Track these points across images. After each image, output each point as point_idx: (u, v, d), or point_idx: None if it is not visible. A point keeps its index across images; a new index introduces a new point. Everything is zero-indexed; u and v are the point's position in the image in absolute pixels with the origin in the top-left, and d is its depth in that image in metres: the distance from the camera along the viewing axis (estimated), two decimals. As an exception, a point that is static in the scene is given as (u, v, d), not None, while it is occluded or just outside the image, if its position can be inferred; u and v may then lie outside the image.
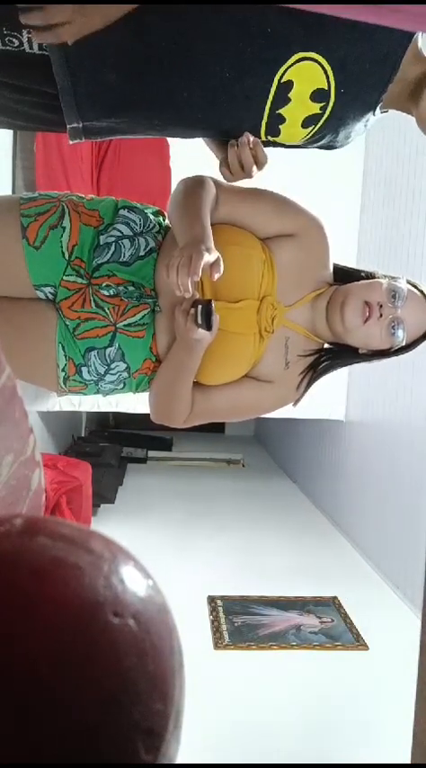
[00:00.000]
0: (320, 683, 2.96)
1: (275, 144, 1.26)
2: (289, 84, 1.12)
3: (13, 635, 0.29)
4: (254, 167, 1.22)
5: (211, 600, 3.63)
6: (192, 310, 1.22)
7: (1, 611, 0.30)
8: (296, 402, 1.42)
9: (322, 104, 1.16)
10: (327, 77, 1.12)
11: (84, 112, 1.16)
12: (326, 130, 1.22)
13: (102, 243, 1.33)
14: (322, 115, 1.17)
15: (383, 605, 3.70)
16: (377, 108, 1.21)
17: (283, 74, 1.11)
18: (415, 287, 1.34)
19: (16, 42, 1.08)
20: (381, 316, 1.29)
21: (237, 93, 1.14)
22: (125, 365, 1.37)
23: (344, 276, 1.40)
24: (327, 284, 1.39)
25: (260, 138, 1.22)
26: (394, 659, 3.05)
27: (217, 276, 1.15)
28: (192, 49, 1.09)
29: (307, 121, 1.19)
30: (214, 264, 1.14)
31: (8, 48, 1.09)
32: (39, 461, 0.55)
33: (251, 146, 1.19)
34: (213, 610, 3.53)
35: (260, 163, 1.21)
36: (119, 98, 1.15)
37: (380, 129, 4.18)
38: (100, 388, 1.41)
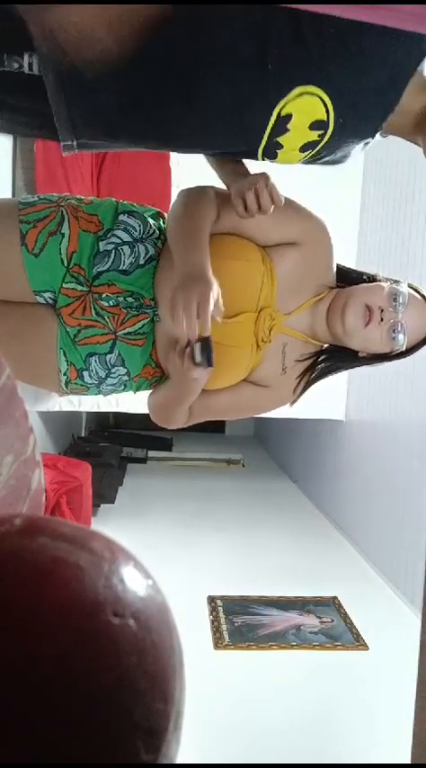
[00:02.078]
0: (320, 683, 2.96)
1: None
2: (288, 117, 1.13)
3: (14, 635, 0.29)
4: (272, 207, 1.24)
5: (211, 600, 3.63)
6: (188, 349, 1.21)
7: (1, 611, 0.30)
8: (292, 402, 1.43)
9: (320, 132, 1.16)
10: (326, 110, 1.12)
11: (79, 133, 1.16)
12: (324, 153, 1.22)
13: (101, 249, 1.33)
14: (319, 141, 1.18)
15: (383, 605, 3.70)
16: (377, 134, 1.21)
17: (283, 107, 1.11)
18: (417, 291, 1.34)
19: (16, 65, 1.09)
20: (382, 320, 1.29)
21: (235, 124, 1.14)
22: (125, 370, 1.38)
23: (346, 278, 1.40)
24: (328, 288, 1.38)
25: (256, 159, 1.23)
26: (394, 659, 3.05)
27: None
28: (191, 82, 1.09)
29: (305, 147, 1.19)
30: (215, 307, 1.15)
31: (6, 69, 1.10)
32: (39, 461, 0.55)
33: (268, 188, 1.21)
34: (213, 610, 3.53)
35: (276, 204, 1.23)
36: (115, 124, 1.15)
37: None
38: (101, 389, 1.42)
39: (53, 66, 1.06)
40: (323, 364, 1.40)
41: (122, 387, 1.43)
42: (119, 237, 1.33)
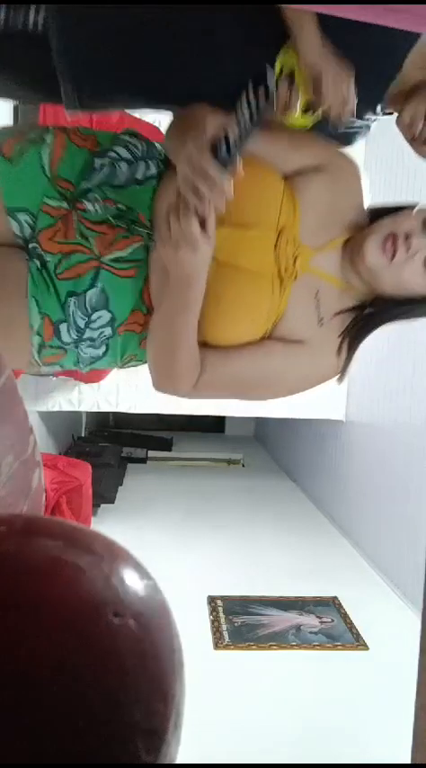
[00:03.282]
0: (320, 683, 2.96)
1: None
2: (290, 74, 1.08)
3: (14, 635, 0.29)
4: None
5: (211, 600, 3.63)
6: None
7: (1, 612, 0.30)
8: (341, 376, 1.15)
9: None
10: None
11: (81, 86, 1.16)
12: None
13: (96, 165, 1.14)
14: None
15: (383, 605, 3.70)
16: (379, 105, 1.19)
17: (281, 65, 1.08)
18: None
19: (21, 20, 1.12)
20: (409, 249, 1.04)
21: (233, 89, 1.10)
22: (109, 315, 1.12)
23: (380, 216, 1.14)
24: (360, 228, 1.14)
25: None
26: (394, 659, 3.05)
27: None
28: (186, 55, 1.11)
29: (308, 108, 1.11)
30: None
31: (11, 27, 1.13)
32: (39, 461, 0.55)
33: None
34: (213, 610, 3.53)
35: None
36: (115, 81, 1.16)
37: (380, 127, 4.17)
38: (79, 354, 1.17)
39: (59, 21, 1.09)
40: (368, 318, 1.13)
41: (104, 348, 1.15)
42: (117, 153, 1.16)
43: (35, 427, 0.53)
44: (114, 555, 0.35)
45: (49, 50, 1.12)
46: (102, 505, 4.90)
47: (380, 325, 1.15)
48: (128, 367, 1.23)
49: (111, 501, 5.07)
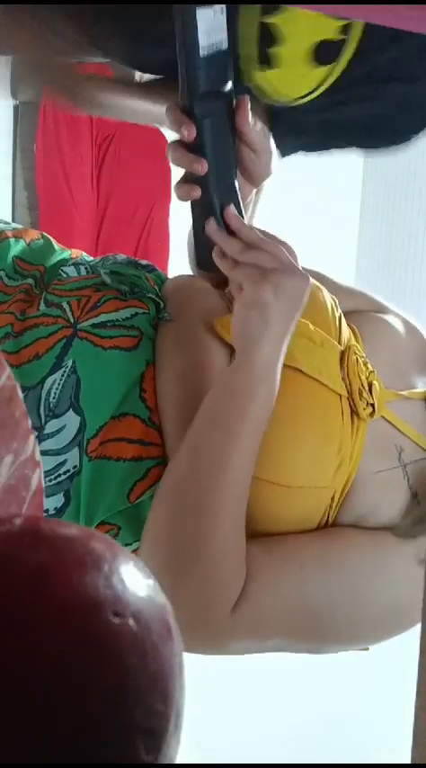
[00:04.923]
0: (320, 683, 2.96)
1: (268, 101, 0.80)
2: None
3: (13, 636, 0.29)
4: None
5: (211, 600, 3.64)
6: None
7: (0, 612, 0.30)
8: None
9: (342, 26, 0.72)
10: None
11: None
12: (354, 78, 0.75)
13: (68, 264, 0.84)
14: (343, 41, 0.72)
15: (383, 605, 3.70)
16: None
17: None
18: None
19: None
20: None
21: None
22: (78, 420, 0.66)
23: None
24: None
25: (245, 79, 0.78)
26: (394, 659, 3.05)
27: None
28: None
29: (322, 50, 0.72)
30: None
31: None
32: (39, 461, 0.55)
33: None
34: (213, 610, 3.53)
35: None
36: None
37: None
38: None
39: None
40: None
41: (62, 498, 0.65)
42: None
43: (35, 427, 0.53)
44: (114, 554, 0.35)
45: None
46: (102, 505, 4.90)
47: None
48: None
49: (111, 501, 5.08)
